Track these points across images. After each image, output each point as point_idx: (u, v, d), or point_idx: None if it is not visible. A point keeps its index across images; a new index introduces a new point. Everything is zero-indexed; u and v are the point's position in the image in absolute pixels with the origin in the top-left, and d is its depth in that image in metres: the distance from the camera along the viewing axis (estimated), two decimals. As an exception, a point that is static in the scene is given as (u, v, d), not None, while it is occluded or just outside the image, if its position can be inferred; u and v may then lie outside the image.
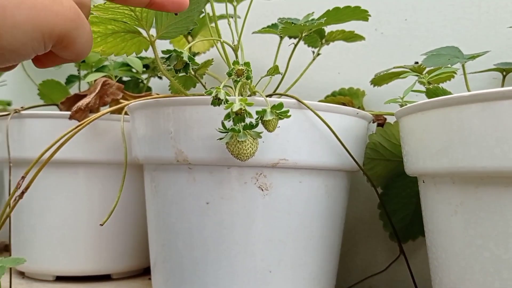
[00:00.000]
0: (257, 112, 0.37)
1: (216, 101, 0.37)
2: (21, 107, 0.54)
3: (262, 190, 0.41)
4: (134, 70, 0.62)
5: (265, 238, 0.41)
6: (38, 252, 0.58)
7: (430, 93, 0.40)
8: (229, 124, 0.37)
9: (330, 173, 0.44)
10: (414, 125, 0.37)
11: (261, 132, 0.37)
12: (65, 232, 0.57)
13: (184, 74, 0.37)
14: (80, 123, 0.43)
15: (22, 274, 0.62)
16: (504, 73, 0.51)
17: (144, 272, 0.64)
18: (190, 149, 0.41)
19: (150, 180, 0.46)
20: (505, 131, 0.30)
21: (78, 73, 0.64)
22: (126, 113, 0.50)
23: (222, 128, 0.37)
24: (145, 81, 0.65)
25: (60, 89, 0.62)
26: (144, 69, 0.61)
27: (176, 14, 0.37)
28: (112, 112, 0.47)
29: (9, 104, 0.87)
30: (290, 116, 0.37)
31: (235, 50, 0.42)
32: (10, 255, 0.54)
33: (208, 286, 0.42)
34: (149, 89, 0.66)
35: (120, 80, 0.61)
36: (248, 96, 0.41)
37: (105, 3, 0.35)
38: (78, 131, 0.42)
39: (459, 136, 0.33)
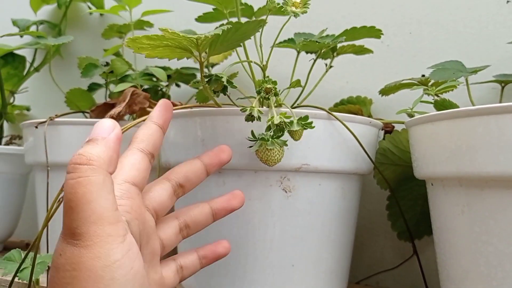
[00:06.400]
0: (285, 124, 0.41)
1: (250, 118, 0.41)
2: (55, 115, 0.58)
3: (286, 192, 0.45)
4: (154, 79, 0.66)
5: (288, 236, 0.45)
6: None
7: (438, 105, 0.44)
8: (258, 132, 0.41)
9: (346, 176, 0.48)
10: (424, 134, 0.41)
11: (287, 141, 0.41)
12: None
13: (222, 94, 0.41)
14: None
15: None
16: (503, 84, 0.55)
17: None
18: (221, 155, 0.45)
19: (180, 183, 0.50)
20: (508, 141, 0.34)
21: (106, 82, 0.67)
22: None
23: (251, 137, 0.41)
24: (164, 89, 0.69)
25: (86, 97, 0.66)
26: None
27: None
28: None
29: (28, 109, 0.90)
30: (314, 127, 0.42)
31: (263, 69, 0.46)
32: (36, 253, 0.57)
33: (236, 278, 0.46)
34: (168, 97, 0.69)
35: (142, 89, 0.64)
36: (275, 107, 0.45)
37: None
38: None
39: (467, 145, 0.37)
